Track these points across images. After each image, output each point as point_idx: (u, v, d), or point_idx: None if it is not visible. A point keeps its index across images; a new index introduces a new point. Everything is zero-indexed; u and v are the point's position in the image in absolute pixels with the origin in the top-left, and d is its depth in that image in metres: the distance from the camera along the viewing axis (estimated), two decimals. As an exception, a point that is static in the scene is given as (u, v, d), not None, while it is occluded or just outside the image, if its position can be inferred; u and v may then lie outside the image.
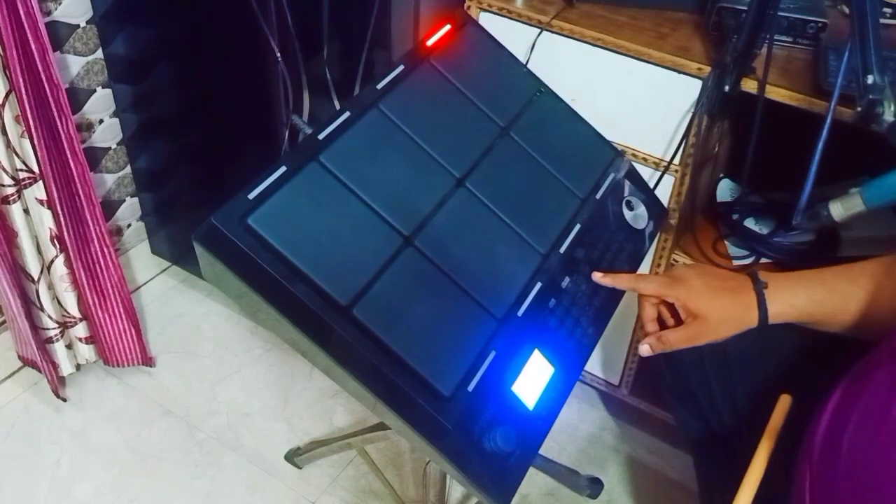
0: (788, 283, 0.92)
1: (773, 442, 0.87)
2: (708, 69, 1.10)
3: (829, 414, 0.79)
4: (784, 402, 0.90)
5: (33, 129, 1.24)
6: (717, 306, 0.90)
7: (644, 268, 1.30)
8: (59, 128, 1.27)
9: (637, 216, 1.02)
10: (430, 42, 0.98)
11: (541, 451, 0.94)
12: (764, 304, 0.89)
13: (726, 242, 1.29)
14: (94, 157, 1.65)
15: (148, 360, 1.60)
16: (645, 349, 0.91)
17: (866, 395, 0.76)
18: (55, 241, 1.39)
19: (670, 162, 1.19)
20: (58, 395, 1.53)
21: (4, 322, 1.55)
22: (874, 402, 0.74)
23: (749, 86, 1.07)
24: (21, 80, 1.19)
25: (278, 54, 1.43)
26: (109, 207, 1.74)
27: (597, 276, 0.93)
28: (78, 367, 1.56)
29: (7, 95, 1.22)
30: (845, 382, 0.81)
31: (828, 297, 0.90)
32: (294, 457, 1.45)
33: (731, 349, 1.04)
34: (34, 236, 1.38)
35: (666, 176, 1.20)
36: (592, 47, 1.17)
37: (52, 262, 1.41)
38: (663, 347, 0.90)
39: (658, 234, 1.19)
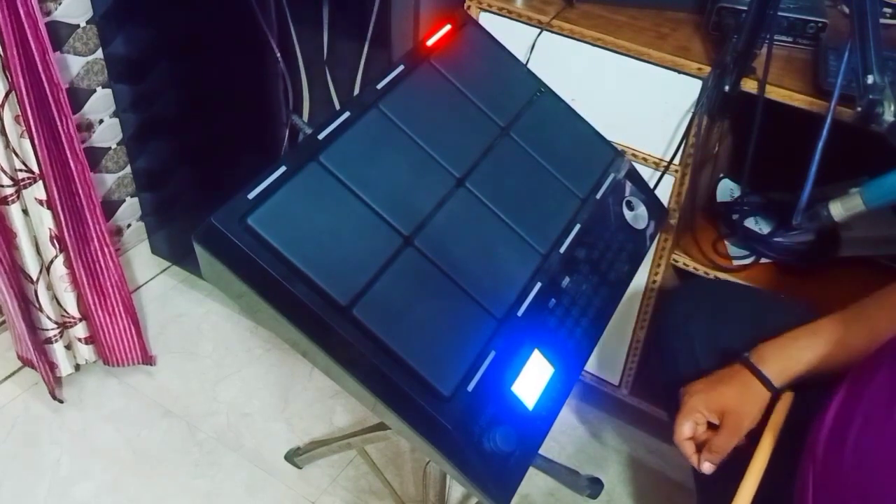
0: (776, 343, 0.94)
1: (775, 438, 0.87)
2: (708, 69, 1.10)
3: (832, 414, 0.79)
4: (786, 400, 0.90)
5: (34, 129, 1.24)
6: (725, 394, 0.92)
7: (644, 268, 1.30)
8: (60, 127, 1.27)
9: (637, 216, 1.02)
10: (430, 42, 0.98)
11: (541, 451, 0.94)
12: (757, 370, 0.91)
13: (726, 242, 1.29)
14: (94, 157, 1.65)
15: (148, 359, 1.60)
16: (707, 467, 0.92)
17: (869, 394, 0.75)
18: (55, 241, 1.39)
19: (670, 162, 1.19)
20: (54, 397, 1.52)
21: (4, 322, 1.55)
22: (878, 401, 0.74)
23: (749, 86, 1.07)
24: (21, 79, 1.19)
25: (278, 54, 1.43)
26: (109, 207, 1.74)
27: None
28: (77, 367, 1.56)
29: (7, 95, 1.22)
30: (848, 382, 0.80)
31: (821, 341, 0.91)
32: (294, 457, 1.45)
33: (726, 355, 1.04)
34: (33, 237, 1.38)
35: (666, 176, 1.20)
36: (592, 47, 1.17)
37: (51, 262, 1.41)
38: (719, 456, 0.91)
39: (658, 234, 1.19)
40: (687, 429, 0.93)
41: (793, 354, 0.92)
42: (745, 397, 0.91)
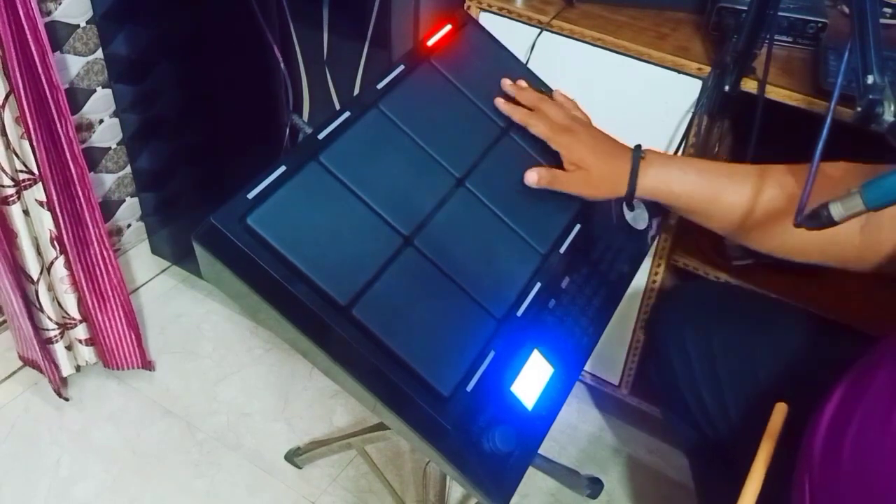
0: (665, 161, 0.96)
1: (772, 450, 0.86)
2: (708, 69, 1.10)
3: (827, 419, 0.78)
4: (780, 411, 0.90)
5: (32, 131, 1.24)
6: (596, 163, 0.93)
7: (644, 268, 1.30)
8: (59, 130, 1.27)
9: (637, 216, 1.02)
10: (430, 42, 0.98)
11: (541, 451, 0.94)
12: (635, 174, 0.93)
13: (726, 243, 1.29)
14: (94, 158, 1.65)
15: (147, 364, 1.60)
16: (532, 177, 0.91)
17: (866, 398, 0.75)
18: (55, 242, 1.39)
19: (670, 162, 1.18)
20: (60, 395, 1.53)
21: (5, 322, 1.56)
22: (875, 405, 0.73)
23: (749, 86, 1.07)
24: (20, 81, 1.19)
25: (279, 54, 1.43)
26: (109, 207, 1.74)
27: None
28: (78, 368, 1.56)
29: (7, 97, 1.22)
30: (844, 386, 0.80)
31: (701, 183, 0.94)
32: (294, 457, 1.45)
33: (720, 359, 1.04)
34: (34, 237, 1.38)
35: (666, 176, 1.20)
36: (592, 47, 1.17)
37: (52, 263, 1.41)
38: (550, 181, 0.92)
39: (658, 235, 1.19)
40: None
41: (672, 178, 0.93)
42: (604, 182, 0.93)
